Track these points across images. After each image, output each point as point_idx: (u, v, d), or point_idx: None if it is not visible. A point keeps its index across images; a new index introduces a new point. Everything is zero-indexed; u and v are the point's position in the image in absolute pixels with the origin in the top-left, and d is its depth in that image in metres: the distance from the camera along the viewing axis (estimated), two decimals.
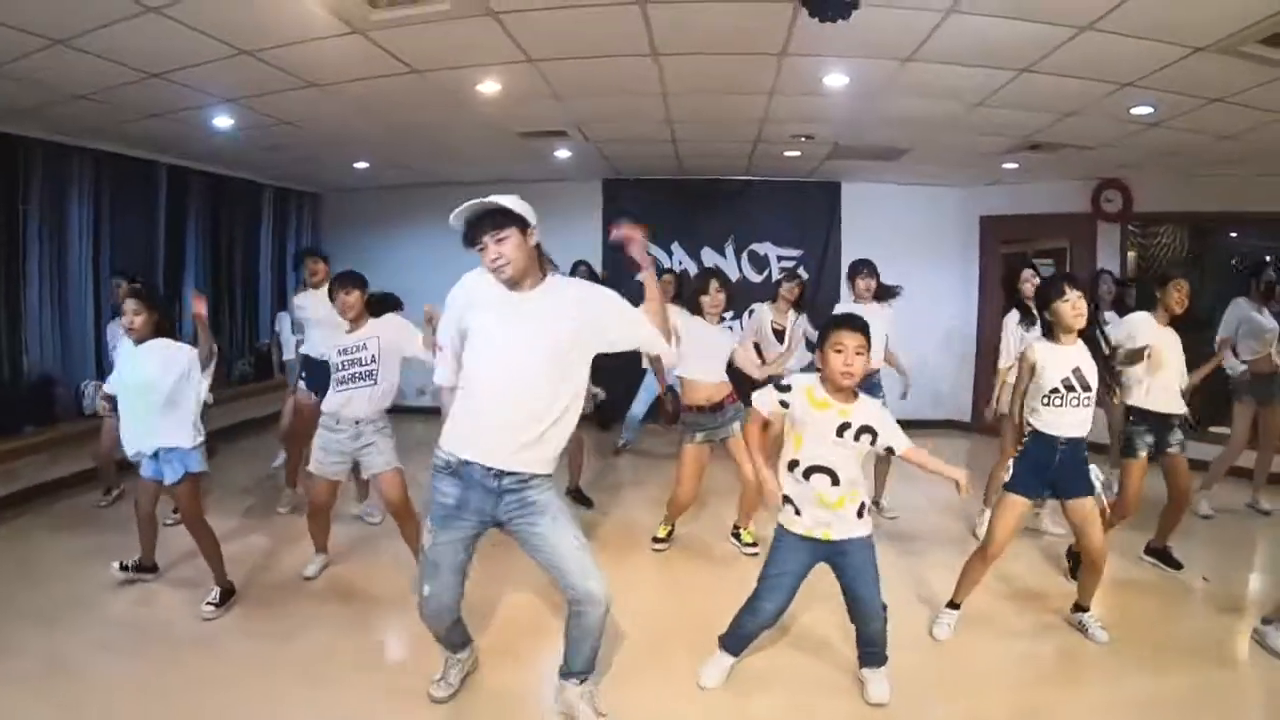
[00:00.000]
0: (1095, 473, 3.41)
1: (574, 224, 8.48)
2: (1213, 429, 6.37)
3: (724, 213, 8.64)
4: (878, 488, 5.44)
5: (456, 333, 2.68)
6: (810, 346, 6.09)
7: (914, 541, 4.89)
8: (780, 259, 8.48)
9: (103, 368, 5.89)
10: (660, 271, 7.89)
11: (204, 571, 3.79)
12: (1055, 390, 3.37)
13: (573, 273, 7.71)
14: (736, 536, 4.76)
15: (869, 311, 5.04)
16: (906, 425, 7.64)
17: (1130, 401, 4.18)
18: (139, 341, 3.65)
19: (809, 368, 5.24)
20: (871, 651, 3.06)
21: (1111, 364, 3.70)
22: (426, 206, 8.05)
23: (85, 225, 6.34)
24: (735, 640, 3.15)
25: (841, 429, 2.84)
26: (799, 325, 5.79)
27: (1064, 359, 3.38)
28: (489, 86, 4.78)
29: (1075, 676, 3.29)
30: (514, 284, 2.58)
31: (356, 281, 3.94)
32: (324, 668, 3.25)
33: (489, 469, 2.55)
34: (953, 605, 3.62)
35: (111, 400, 3.79)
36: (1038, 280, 4.79)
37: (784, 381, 2.95)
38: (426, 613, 2.77)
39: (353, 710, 2.97)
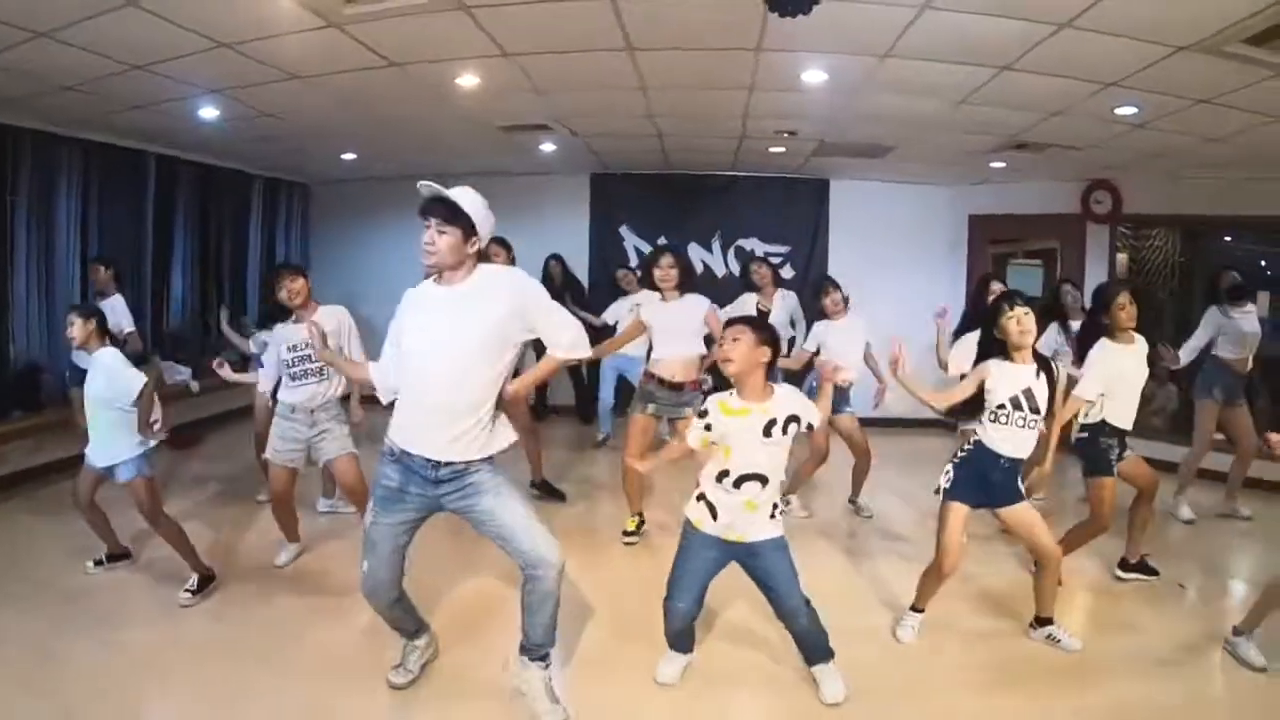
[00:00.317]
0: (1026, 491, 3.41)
1: (562, 218, 8.59)
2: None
3: (711, 208, 8.68)
4: (854, 488, 5.49)
5: (394, 336, 2.84)
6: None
7: (887, 541, 4.91)
8: (767, 255, 8.46)
9: None
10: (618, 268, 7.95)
11: (176, 559, 3.88)
12: (1002, 406, 3.31)
13: (545, 266, 7.79)
14: None
15: (843, 326, 5.20)
16: (896, 425, 7.73)
17: (1091, 420, 4.08)
18: (88, 351, 3.75)
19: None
20: (811, 647, 3.08)
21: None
22: (415, 199, 8.07)
23: (73, 215, 6.39)
24: (671, 638, 3.15)
25: (769, 427, 2.84)
26: (786, 305, 5.90)
27: (1015, 377, 3.33)
28: (468, 80, 4.82)
29: (1039, 683, 3.25)
30: (438, 274, 2.71)
31: (300, 270, 4.21)
32: (291, 656, 3.30)
33: (427, 460, 2.67)
34: (915, 609, 3.63)
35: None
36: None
37: (702, 408, 2.96)
38: (364, 589, 2.88)
39: (315, 698, 3.01)
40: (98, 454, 3.76)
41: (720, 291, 7.43)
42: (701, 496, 2.97)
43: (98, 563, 4.05)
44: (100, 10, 3.60)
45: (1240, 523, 5.45)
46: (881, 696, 3.09)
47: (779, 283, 6.01)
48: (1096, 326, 4.13)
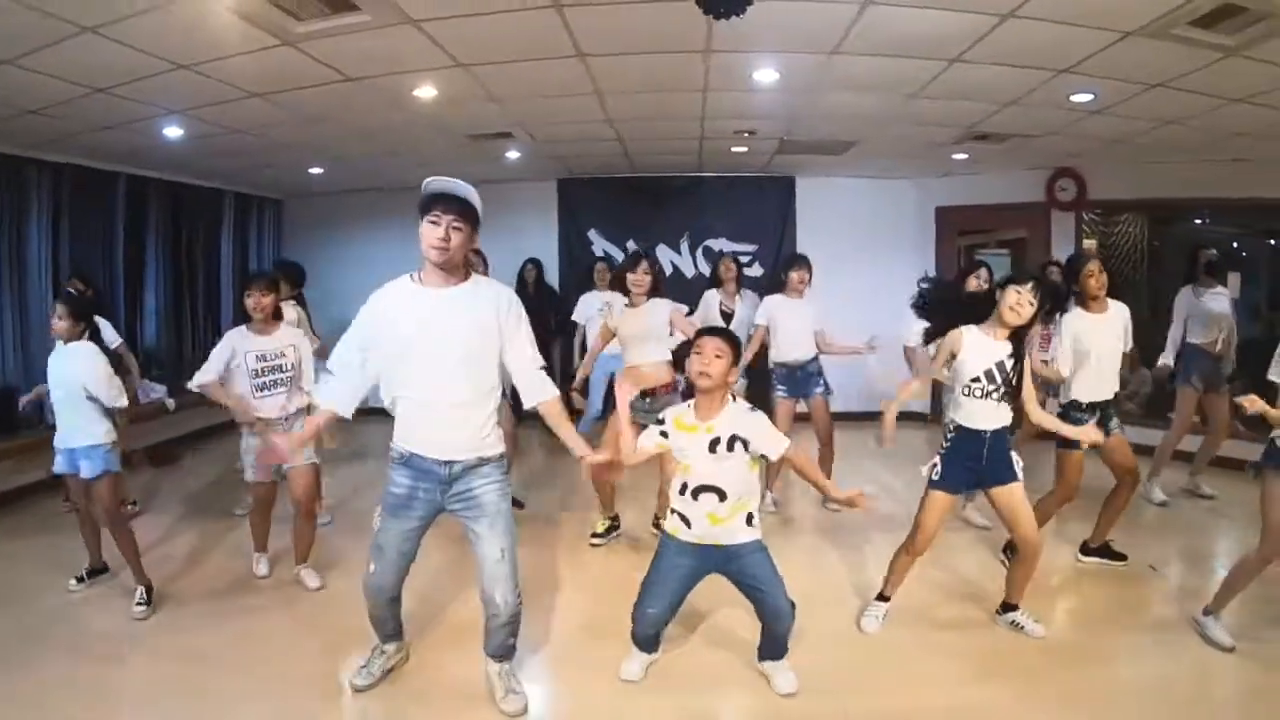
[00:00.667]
0: (1017, 459, 3.40)
1: (530, 223, 8.69)
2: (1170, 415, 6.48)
3: (678, 209, 8.78)
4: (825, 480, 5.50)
5: (358, 340, 2.83)
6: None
7: (853, 533, 4.95)
8: (735, 254, 8.53)
9: None
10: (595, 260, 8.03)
11: (155, 573, 3.95)
12: (976, 379, 3.33)
13: (521, 271, 7.88)
14: (658, 527, 4.78)
15: (796, 305, 5.28)
16: (865, 417, 7.81)
17: (1066, 397, 4.16)
18: (66, 342, 3.84)
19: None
20: (778, 645, 3.12)
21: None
22: (388, 209, 8.19)
23: (44, 236, 6.44)
24: (638, 639, 3.19)
25: (713, 445, 2.91)
26: (749, 305, 5.93)
27: (988, 350, 3.34)
28: (426, 91, 4.91)
29: (1005, 671, 3.27)
30: (443, 271, 2.73)
31: (274, 285, 4.22)
32: (258, 665, 3.35)
33: (439, 460, 2.77)
34: (882, 598, 3.66)
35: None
36: (985, 284, 4.86)
37: (661, 416, 3.05)
38: (368, 588, 2.97)
39: (298, 705, 3.08)
40: (67, 437, 3.82)
41: (690, 292, 7.55)
42: (673, 510, 3.04)
43: (79, 579, 4.07)
44: (60, 37, 3.71)
45: (1204, 501, 5.54)
46: (842, 687, 3.15)
47: (743, 283, 6.08)
48: (1068, 293, 4.20)
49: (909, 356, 5.17)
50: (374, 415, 3.00)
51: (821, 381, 5.35)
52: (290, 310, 5.14)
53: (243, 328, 4.14)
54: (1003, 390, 3.33)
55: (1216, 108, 5.02)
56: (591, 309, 6.61)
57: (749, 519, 2.98)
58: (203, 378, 4.08)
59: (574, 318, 7.04)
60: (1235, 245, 8.03)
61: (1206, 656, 3.35)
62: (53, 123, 5.28)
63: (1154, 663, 3.34)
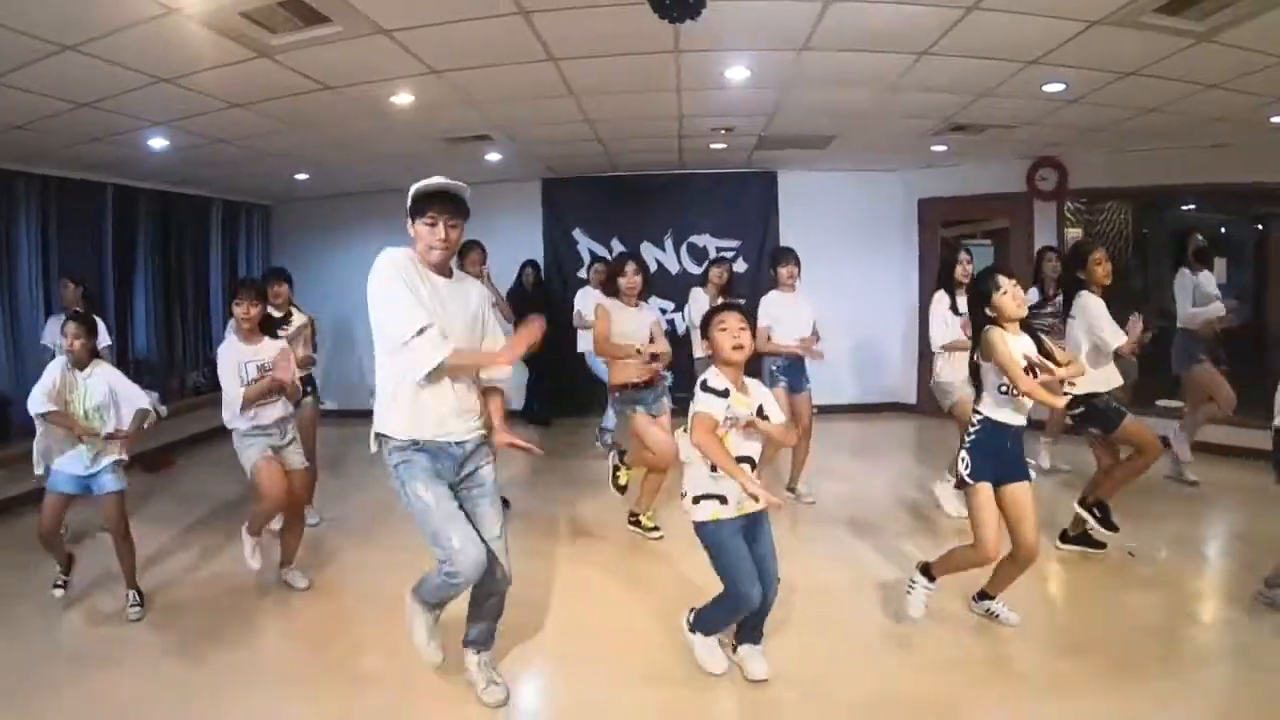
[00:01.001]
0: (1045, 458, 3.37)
1: (515, 224, 8.77)
2: (1160, 403, 6.58)
3: (661, 207, 8.86)
4: (793, 473, 5.55)
5: (418, 297, 2.71)
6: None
7: (832, 526, 5.03)
8: (719, 250, 8.65)
9: None
10: (594, 260, 8.14)
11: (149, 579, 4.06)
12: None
13: (521, 272, 7.98)
14: (637, 523, 4.91)
15: (793, 300, 5.30)
16: (852, 409, 7.88)
17: (1089, 390, 4.08)
18: (81, 366, 3.83)
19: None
20: (756, 626, 3.17)
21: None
22: (374, 213, 8.26)
23: (34, 248, 6.53)
24: (708, 625, 3.19)
25: (759, 412, 2.98)
26: None
27: (1018, 346, 3.30)
28: (403, 98, 5.01)
29: (984, 658, 3.32)
30: (439, 269, 2.83)
31: (262, 294, 4.26)
32: (251, 667, 3.43)
33: (455, 443, 2.85)
34: (928, 575, 3.59)
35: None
36: (971, 265, 4.94)
37: (716, 386, 2.94)
38: (461, 571, 2.74)
39: (278, 701, 3.14)
40: (80, 464, 3.82)
41: (673, 289, 7.68)
42: (701, 497, 3.01)
43: (58, 585, 4.07)
44: (41, 55, 3.80)
45: (1187, 488, 5.55)
46: (833, 678, 3.20)
47: (730, 290, 6.05)
48: (1075, 281, 4.24)
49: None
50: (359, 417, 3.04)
51: (807, 376, 5.42)
52: (301, 316, 5.23)
53: (232, 339, 4.17)
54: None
55: (1191, 94, 5.05)
56: (587, 305, 6.64)
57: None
58: (234, 406, 4.03)
59: (579, 309, 7.10)
60: (1223, 230, 8.10)
61: (1187, 638, 3.43)
62: (39, 137, 5.37)
63: (1123, 648, 3.36)
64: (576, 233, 8.96)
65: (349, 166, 7.31)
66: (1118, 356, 4.17)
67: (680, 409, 3.22)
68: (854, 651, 3.44)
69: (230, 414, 4.05)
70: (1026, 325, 3.41)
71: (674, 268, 8.85)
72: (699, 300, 5.95)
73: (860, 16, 3.91)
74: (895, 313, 8.89)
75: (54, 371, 3.81)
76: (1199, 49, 4.14)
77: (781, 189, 8.94)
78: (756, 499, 2.86)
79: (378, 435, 2.86)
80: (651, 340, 4.69)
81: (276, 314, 4.55)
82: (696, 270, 8.49)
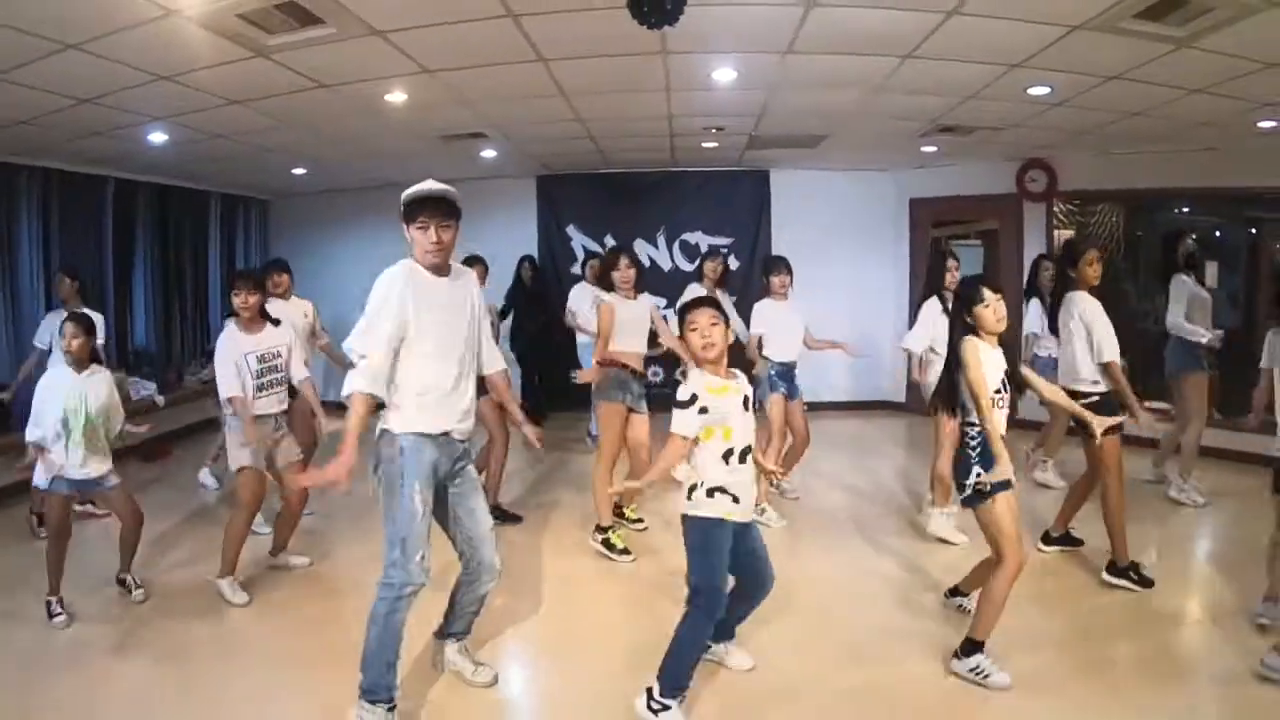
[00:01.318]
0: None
1: (511, 220, 8.87)
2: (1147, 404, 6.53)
3: (655, 204, 8.96)
4: (784, 469, 5.46)
5: (396, 327, 2.80)
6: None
7: (820, 522, 5.14)
8: (711, 247, 8.63)
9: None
10: (588, 255, 8.21)
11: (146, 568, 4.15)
12: (998, 391, 3.20)
13: (519, 267, 8.08)
14: (620, 515, 4.96)
15: (785, 308, 5.30)
16: (842, 407, 7.91)
17: (1078, 386, 4.12)
18: (80, 367, 3.83)
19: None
20: (733, 624, 3.20)
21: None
22: (371, 208, 8.36)
23: (35, 239, 6.67)
24: (678, 677, 2.92)
25: (745, 401, 2.93)
26: (727, 304, 6.03)
27: (998, 361, 3.24)
28: (397, 96, 5.11)
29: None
30: (438, 269, 2.91)
31: (260, 284, 4.34)
32: (247, 654, 3.53)
33: (454, 439, 2.95)
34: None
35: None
36: (958, 272, 4.94)
37: (683, 397, 2.87)
38: (415, 587, 2.82)
39: (274, 688, 3.21)
40: (101, 464, 3.83)
41: (666, 285, 7.76)
42: (714, 490, 2.88)
43: (57, 615, 3.80)
44: (45, 54, 3.92)
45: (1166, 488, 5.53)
46: (819, 665, 3.31)
47: (725, 283, 6.15)
48: (1067, 280, 4.26)
49: (910, 358, 5.27)
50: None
51: (798, 385, 5.41)
52: (303, 303, 5.37)
53: (231, 329, 4.21)
54: (1006, 399, 3.27)
55: (1176, 98, 5.10)
56: (584, 302, 6.67)
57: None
58: (230, 391, 4.06)
59: (571, 306, 7.17)
60: (1217, 234, 8.09)
61: (1161, 637, 3.50)
62: (42, 131, 5.49)
63: (1096, 646, 3.42)
64: (571, 229, 9.06)
65: (346, 162, 7.41)
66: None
67: (664, 407, 3.25)
68: (841, 644, 3.51)
69: (224, 393, 4.09)
70: (1003, 341, 3.33)
71: (666, 265, 8.95)
72: (695, 295, 6.01)
73: (842, 21, 3.98)
74: (886, 311, 8.94)
75: (43, 384, 3.81)
76: (1180, 54, 4.18)
77: (774, 187, 9.03)
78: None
79: (382, 430, 2.89)
80: (661, 333, 4.80)
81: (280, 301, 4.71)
82: (689, 267, 8.52)
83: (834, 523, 5.16)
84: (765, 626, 3.47)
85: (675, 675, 2.87)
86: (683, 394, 2.86)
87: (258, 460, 4.13)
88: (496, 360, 3.21)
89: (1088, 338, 4.13)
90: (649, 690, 2.86)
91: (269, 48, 4.01)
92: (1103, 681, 3.16)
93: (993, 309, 3.20)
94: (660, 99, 5.60)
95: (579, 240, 9.02)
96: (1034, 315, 5.83)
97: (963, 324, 3.29)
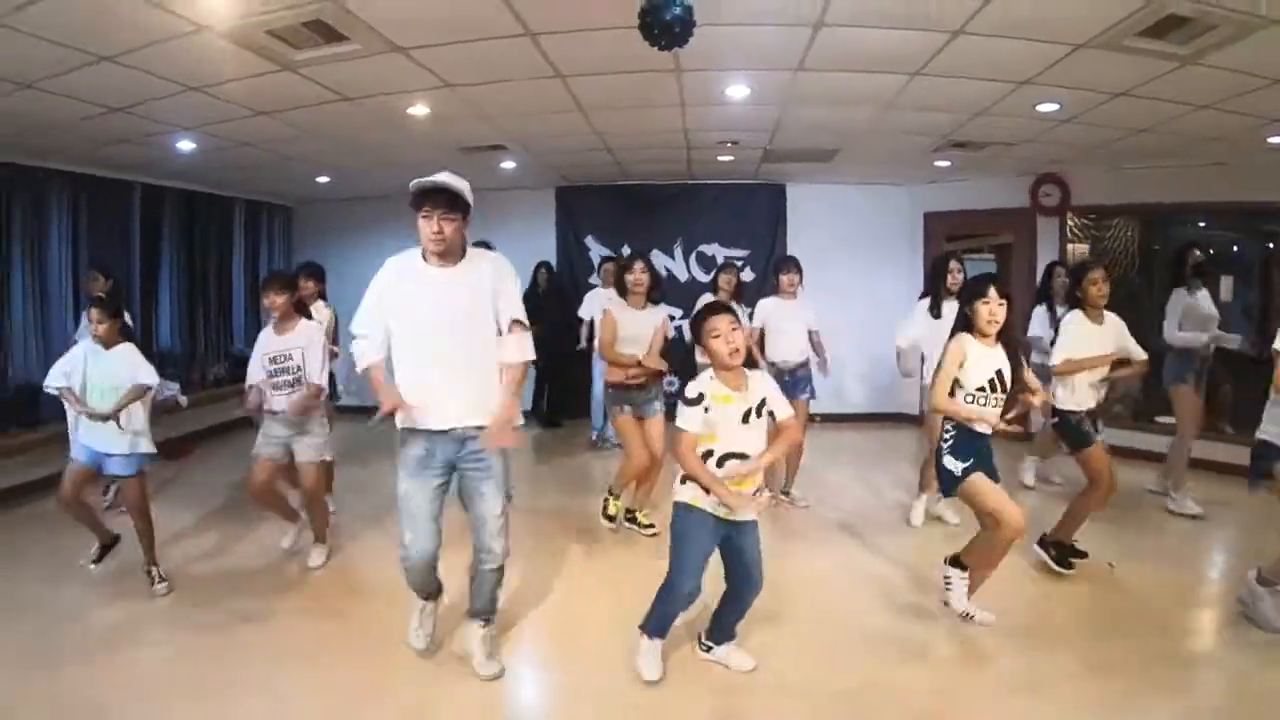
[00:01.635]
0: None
1: (530, 229, 9.00)
2: (1159, 419, 6.51)
3: (672, 216, 9.06)
4: (788, 478, 5.62)
5: (379, 308, 3.08)
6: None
7: (826, 530, 5.18)
8: (727, 259, 8.74)
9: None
10: (603, 261, 8.27)
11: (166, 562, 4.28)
12: (981, 389, 3.35)
13: (535, 273, 8.21)
14: (633, 520, 5.09)
15: (792, 307, 5.44)
16: (858, 419, 7.91)
17: (1062, 406, 4.22)
18: (108, 347, 4.07)
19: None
20: (734, 625, 3.30)
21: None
22: (392, 216, 8.38)
23: (64, 242, 6.84)
24: (658, 624, 3.23)
25: (746, 415, 2.99)
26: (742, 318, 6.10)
27: (988, 360, 3.35)
28: (419, 110, 5.24)
29: (963, 654, 3.48)
30: (441, 257, 3.03)
31: (288, 285, 4.50)
32: (267, 647, 3.62)
33: (446, 431, 3.05)
34: (961, 568, 3.61)
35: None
36: (961, 275, 5.04)
37: (691, 395, 2.99)
38: (408, 561, 3.15)
39: (292, 679, 3.32)
40: (112, 442, 4.04)
41: (683, 296, 7.85)
42: (687, 478, 3.03)
43: (95, 561, 4.29)
44: (80, 65, 4.06)
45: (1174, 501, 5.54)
46: (815, 664, 3.39)
47: (740, 296, 6.21)
48: (1073, 300, 4.32)
49: (899, 355, 5.37)
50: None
51: (809, 386, 5.54)
52: (324, 310, 5.50)
53: (268, 327, 4.49)
54: (997, 398, 3.38)
55: (1184, 114, 5.13)
56: (596, 305, 6.83)
57: (756, 493, 3.05)
58: (251, 379, 4.41)
59: (580, 313, 7.48)
60: (1234, 249, 8.08)
61: (1150, 640, 3.54)
62: (73, 137, 5.65)
63: (1092, 649, 3.48)
64: (589, 239, 9.17)
65: (368, 172, 7.54)
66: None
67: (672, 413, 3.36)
68: (838, 646, 3.57)
69: (249, 381, 4.42)
70: (1009, 344, 3.44)
71: (683, 276, 9.03)
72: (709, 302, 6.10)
73: (850, 40, 4.05)
74: (900, 324, 8.90)
75: (75, 351, 4.10)
76: (1186, 71, 4.22)
77: (790, 200, 9.11)
78: (731, 509, 2.97)
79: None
80: (651, 347, 4.86)
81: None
82: (705, 278, 8.56)
83: (837, 527, 5.23)
84: (765, 628, 3.55)
85: (653, 622, 3.21)
86: (691, 391, 2.99)
87: (268, 451, 4.39)
88: (511, 351, 3.10)
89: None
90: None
91: (296, 62, 4.14)
92: (1097, 683, 3.22)
93: (990, 309, 3.32)
94: (675, 114, 5.69)
95: (597, 250, 9.12)
96: (1038, 321, 5.88)
97: (962, 318, 3.44)
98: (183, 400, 6.92)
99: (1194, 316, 5.49)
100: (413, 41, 3.96)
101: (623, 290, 4.92)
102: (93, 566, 4.32)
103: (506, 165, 7.52)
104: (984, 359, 3.37)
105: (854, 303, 8.45)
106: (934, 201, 8.86)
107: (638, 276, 4.84)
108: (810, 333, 5.56)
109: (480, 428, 3.01)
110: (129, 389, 4.01)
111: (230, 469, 6.70)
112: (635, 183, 8.89)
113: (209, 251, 8.72)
